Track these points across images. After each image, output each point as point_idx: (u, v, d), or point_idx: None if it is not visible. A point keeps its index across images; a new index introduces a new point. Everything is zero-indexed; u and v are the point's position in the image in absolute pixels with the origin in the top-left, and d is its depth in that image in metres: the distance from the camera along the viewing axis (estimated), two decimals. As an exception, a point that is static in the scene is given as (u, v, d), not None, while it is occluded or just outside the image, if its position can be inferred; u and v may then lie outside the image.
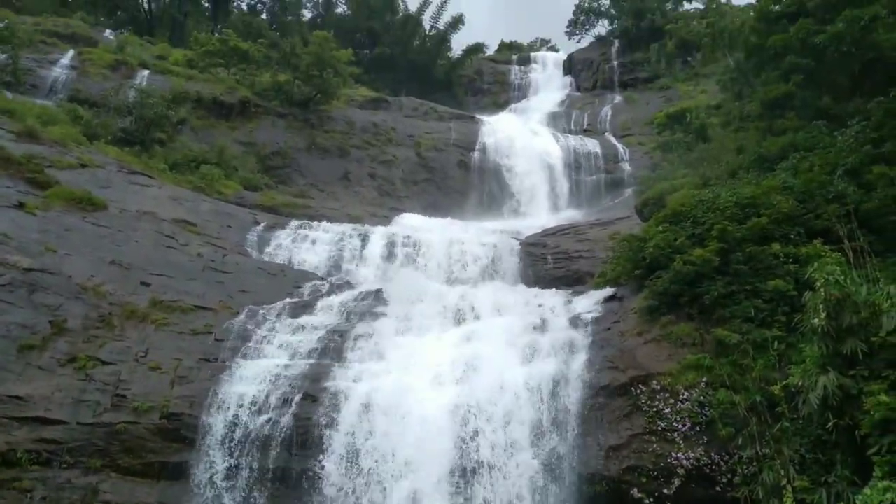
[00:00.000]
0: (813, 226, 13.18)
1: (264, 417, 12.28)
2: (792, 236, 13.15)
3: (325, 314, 15.42)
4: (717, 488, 11.08)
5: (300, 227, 20.65)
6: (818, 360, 10.33)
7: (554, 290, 16.95)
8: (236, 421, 12.26)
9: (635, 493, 11.35)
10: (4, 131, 19.97)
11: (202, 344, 14.09)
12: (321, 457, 11.79)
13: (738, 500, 10.77)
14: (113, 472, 11.99)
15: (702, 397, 11.70)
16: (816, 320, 10.20)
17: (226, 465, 11.84)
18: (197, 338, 14.28)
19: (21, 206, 16.63)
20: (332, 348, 14.03)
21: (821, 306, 10.17)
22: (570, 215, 27.33)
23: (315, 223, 21.07)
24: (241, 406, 12.44)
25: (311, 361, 13.60)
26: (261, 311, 15.23)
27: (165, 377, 13.15)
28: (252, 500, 11.60)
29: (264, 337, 14.38)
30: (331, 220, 22.15)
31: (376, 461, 11.67)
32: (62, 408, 12.37)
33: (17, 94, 24.94)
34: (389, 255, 19.67)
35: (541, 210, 28.83)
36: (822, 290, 10.21)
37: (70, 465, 11.90)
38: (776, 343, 11.54)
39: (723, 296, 12.62)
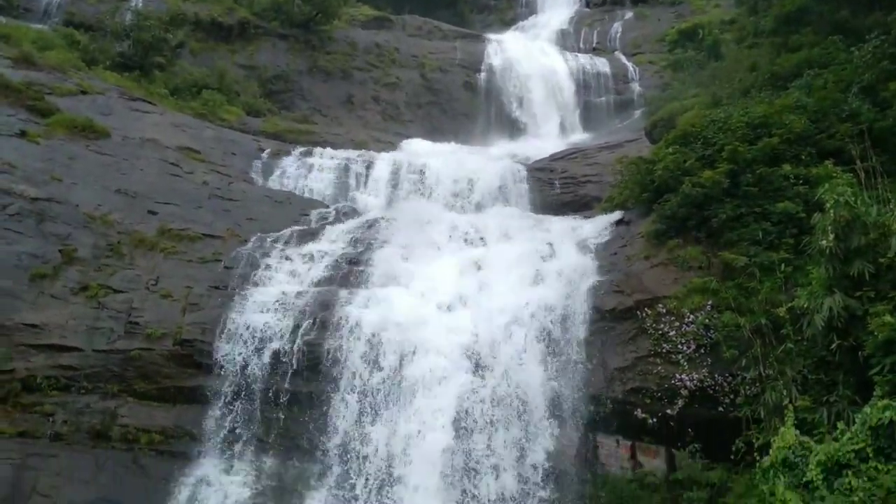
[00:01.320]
0: (825, 146, 12.94)
1: (275, 344, 12.49)
2: (803, 157, 12.93)
3: (333, 241, 15.46)
4: (720, 408, 11.30)
5: (304, 154, 20.46)
6: (825, 282, 10.34)
7: (561, 215, 16.87)
8: (248, 347, 12.48)
9: (639, 413, 11.61)
10: (1, 57, 19.58)
11: (211, 272, 14.21)
12: (331, 382, 12.04)
13: (739, 419, 11.01)
14: (130, 396, 12.32)
15: (707, 320, 11.79)
16: (824, 242, 10.15)
17: (238, 389, 12.13)
18: (206, 266, 14.40)
19: (23, 134, 16.48)
20: (340, 275, 14.12)
21: (829, 228, 10.10)
22: (578, 138, 26.91)
23: (319, 149, 20.85)
24: (252, 332, 12.64)
25: (320, 289, 13.72)
26: (268, 239, 15.28)
27: (177, 305, 13.33)
28: (265, 422, 11.91)
29: (273, 264, 14.47)
30: (335, 146, 21.90)
31: (386, 386, 11.92)
32: (77, 335, 12.61)
33: (10, 19, 24.31)
34: (395, 182, 19.54)
35: (548, 133, 28.37)
36: (831, 211, 10.11)
37: (88, 391, 12.23)
38: (783, 266, 11.53)
39: (731, 218, 12.54)
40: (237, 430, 11.83)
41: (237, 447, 11.72)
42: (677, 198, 13.17)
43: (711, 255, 12.60)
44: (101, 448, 11.59)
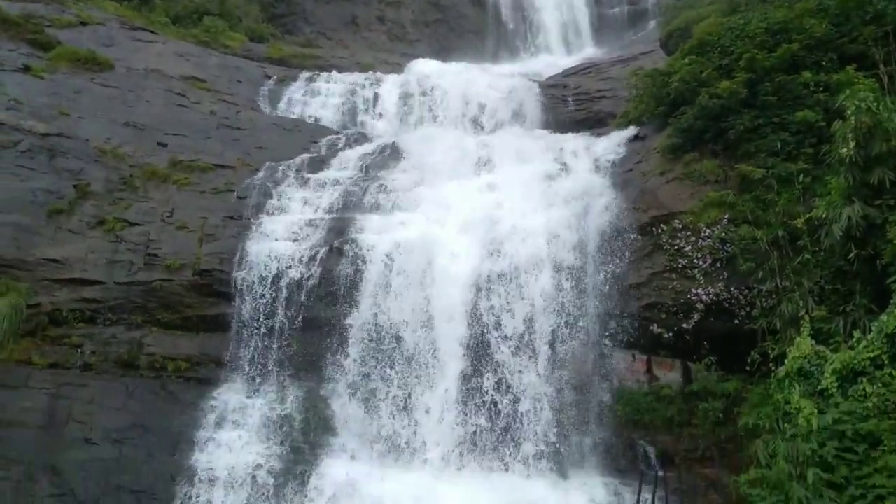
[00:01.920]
0: (847, 51, 12.48)
1: (292, 271, 12.62)
2: (824, 63, 12.50)
3: (344, 168, 15.38)
4: (735, 321, 11.38)
5: (310, 79, 20.11)
6: (844, 191, 10.20)
7: (575, 133, 16.60)
8: (265, 275, 12.62)
9: (655, 328, 11.73)
10: (-3, -10, 19.13)
11: (225, 202, 14.24)
12: (349, 306, 12.21)
13: (755, 331, 11.09)
14: (154, 326, 12.59)
15: (723, 234, 11.72)
16: (845, 150, 9.94)
17: (258, 316, 12.34)
18: (219, 196, 14.42)
19: (27, 69, 16.29)
20: (353, 202, 14.11)
21: (850, 135, 9.87)
22: (591, 53, 26.16)
23: (325, 74, 20.48)
24: (269, 261, 12.75)
25: (333, 216, 13.73)
26: (279, 168, 15.22)
27: (193, 236, 13.44)
28: (286, 346, 12.17)
29: (285, 193, 14.46)
30: (341, 69, 21.49)
31: (401, 311, 12.07)
32: (97, 268, 12.80)
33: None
34: (404, 105, 19.22)
35: (561, 49, 27.60)
36: (852, 118, 9.86)
37: (113, 322, 12.51)
38: (801, 176, 11.35)
39: (749, 130, 12.27)
40: (260, 355, 12.12)
41: (261, 371, 12.02)
42: (693, 110, 12.88)
43: (728, 167, 12.40)
44: (129, 376, 11.93)
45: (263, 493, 10.19)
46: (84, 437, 10.92)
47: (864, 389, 8.93)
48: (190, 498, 10.20)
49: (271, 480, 10.40)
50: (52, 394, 11.37)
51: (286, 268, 12.69)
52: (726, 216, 11.84)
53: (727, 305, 11.47)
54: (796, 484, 8.55)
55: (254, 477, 10.42)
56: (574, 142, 15.67)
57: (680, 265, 11.86)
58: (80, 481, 10.33)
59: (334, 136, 17.21)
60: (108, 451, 10.76)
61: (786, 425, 9.35)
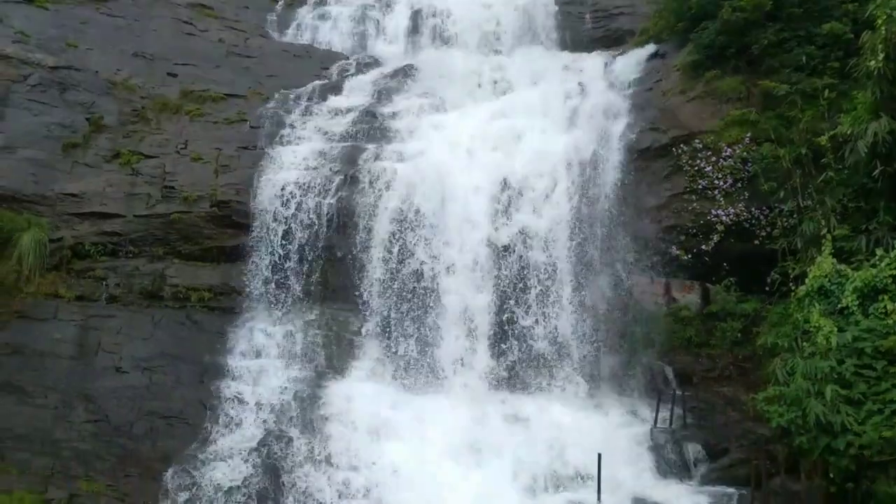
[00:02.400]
0: (879, -43, 11.89)
1: (309, 201, 12.60)
2: (854, -29, 11.96)
3: (356, 95, 15.12)
4: (756, 242, 11.31)
5: (319, 3, 19.52)
6: (870, 106, 9.94)
7: (593, 52, 16.12)
8: (282, 205, 12.62)
9: (674, 250, 11.70)
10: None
11: (238, 132, 14.13)
12: (365, 235, 12.24)
13: (775, 252, 11.04)
14: (175, 258, 12.73)
15: (745, 153, 11.53)
16: (873, 62, 9.64)
17: (277, 246, 12.42)
18: (232, 127, 14.30)
19: (30, 0, 15.94)
20: (367, 129, 13.93)
21: (880, 46, 9.55)
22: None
23: (333, -4, 19.85)
24: (285, 191, 12.73)
25: (347, 144, 13.60)
26: (291, 96, 15.00)
27: (208, 167, 13.40)
28: (306, 275, 12.29)
29: (298, 122, 14.30)
30: (349, -10, 20.79)
31: (422, 237, 12.09)
32: (116, 202, 12.87)
33: None
34: (415, 28, 18.67)
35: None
36: (882, 28, 9.51)
37: (135, 255, 12.66)
38: (826, 91, 11.05)
39: (773, 44, 11.89)
40: (280, 285, 12.25)
41: (282, 300, 12.18)
42: (715, 25, 12.46)
43: (751, 84, 12.08)
44: (154, 307, 12.15)
45: (289, 416, 10.49)
46: (115, 366, 11.22)
47: (885, 307, 8.94)
48: (219, 421, 10.52)
49: (296, 403, 10.69)
50: (80, 325, 11.64)
51: (302, 197, 12.67)
52: (748, 135, 11.62)
53: (747, 226, 11.38)
54: (814, 400, 8.67)
55: (280, 400, 10.70)
56: (591, 61, 15.25)
57: (700, 186, 11.72)
58: (113, 408, 10.68)
59: (345, 62, 16.85)
60: (138, 379, 11.08)
61: (804, 344, 9.43)
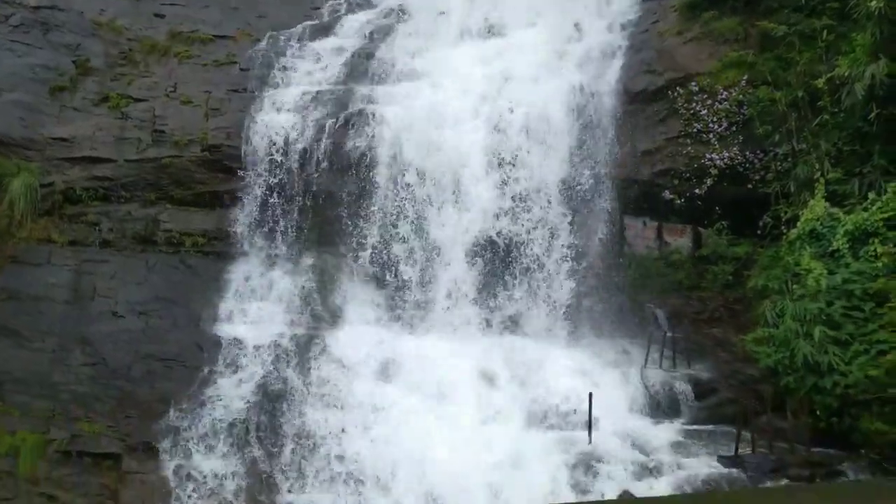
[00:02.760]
0: None
1: (300, 144, 12.49)
2: None
3: (348, 35, 14.82)
4: (749, 186, 11.31)
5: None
6: (869, 48, 9.83)
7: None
8: (274, 149, 12.51)
9: (667, 194, 11.70)
10: None
11: (228, 75, 13.89)
12: (358, 179, 12.17)
13: (768, 196, 11.06)
14: (168, 203, 12.67)
15: (741, 96, 11.43)
16: (874, 2, 9.49)
17: (270, 190, 12.36)
18: (221, 69, 14.05)
19: (9, -63, 15.40)
20: (359, 71, 13.72)
21: (881, -14, 9.37)
22: None
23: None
24: (277, 134, 12.60)
25: (340, 86, 13.40)
26: (281, 37, 14.69)
27: (198, 110, 13.22)
28: (299, 220, 12.27)
29: (289, 64, 14.05)
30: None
31: (414, 179, 12.04)
32: (106, 146, 12.73)
33: None
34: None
35: None
36: (885, -33, 9.31)
37: (127, 200, 12.59)
38: (825, 33, 10.88)
39: (772, -17, 11.64)
40: (274, 229, 12.24)
41: (276, 245, 12.20)
42: (715, -37, 12.17)
43: (749, 25, 11.89)
44: (148, 252, 12.15)
45: (286, 359, 10.62)
46: (110, 310, 11.29)
47: (875, 250, 9.02)
48: (216, 364, 10.64)
49: (293, 345, 10.81)
50: (74, 270, 11.65)
51: (294, 141, 12.55)
52: (745, 77, 11.50)
53: (741, 170, 11.37)
54: (802, 341, 8.84)
55: (277, 344, 10.82)
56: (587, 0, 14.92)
57: (695, 130, 11.65)
58: (110, 351, 10.79)
59: (336, 2, 16.45)
60: (134, 323, 11.16)
61: (795, 286, 9.55)
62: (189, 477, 9.30)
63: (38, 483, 9.21)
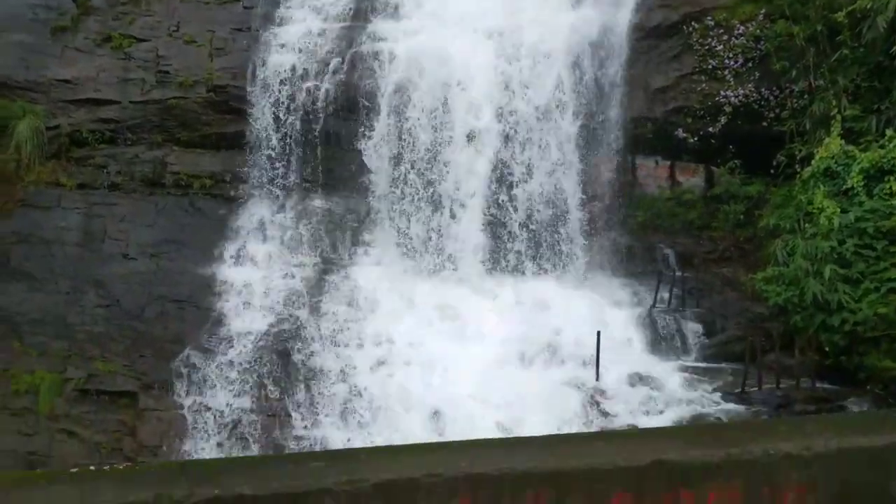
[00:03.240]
0: None
1: (307, 83, 12.31)
2: None
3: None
4: (764, 123, 11.11)
5: None
6: (893, -21, 9.48)
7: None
8: (280, 89, 12.34)
9: (680, 132, 11.52)
10: None
11: (231, 13, 13.57)
12: (367, 118, 12.03)
13: (783, 133, 10.87)
14: (175, 145, 12.60)
15: (758, 31, 11.12)
16: (900, -69, 9.11)
17: (277, 131, 12.25)
18: (224, 7, 13.72)
19: None
20: (365, 7, 13.38)
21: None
22: None
23: None
24: (283, 74, 12.41)
25: (345, 24, 13.10)
26: (285, -27, 14.30)
27: (203, 50, 12.99)
28: (307, 162, 12.20)
29: (294, 1, 13.71)
30: None
31: (423, 118, 11.88)
32: (110, 87, 12.59)
33: None
34: None
35: None
36: None
37: (134, 142, 12.53)
38: (847, -37, 10.49)
39: (794, -89, 11.16)
40: (282, 171, 12.19)
41: (286, 187, 12.16)
42: None
43: (768, -44, 11.48)
44: (157, 195, 12.15)
45: (297, 299, 10.72)
46: (121, 252, 11.37)
47: (890, 188, 8.91)
48: (228, 305, 10.75)
49: (304, 286, 10.89)
50: (84, 213, 11.69)
51: (300, 81, 12.36)
52: (762, 11, 11.16)
53: (756, 107, 11.15)
54: (812, 279, 8.81)
55: (287, 285, 10.90)
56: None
57: (710, 66, 11.39)
58: (123, 293, 10.91)
59: (341, -63, 15.96)
60: (145, 265, 11.25)
61: (807, 225, 9.47)
62: (204, 413, 9.51)
63: (58, 420, 9.46)
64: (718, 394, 8.88)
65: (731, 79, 11.21)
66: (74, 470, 3.38)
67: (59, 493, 2.78)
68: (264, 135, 12.32)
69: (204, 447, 9.21)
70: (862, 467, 2.83)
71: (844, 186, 9.42)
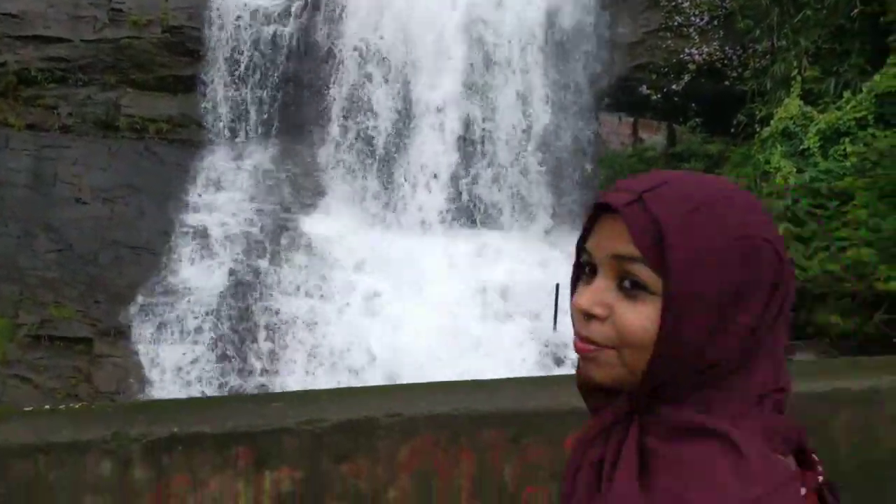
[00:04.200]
0: None
1: (268, 28, 11.96)
2: None
3: None
4: (726, 83, 11.21)
5: None
6: (858, -60, 9.54)
7: None
8: (237, 33, 11.97)
9: (644, 89, 11.55)
10: None
11: (188, -50, 13.03)
12: (328, 64, 11.76)
13: (744, 93, 10.99)
14: (129, 87, 12.16)
15: (724, -12, 11.14)
16: None
17: (235, 76, 11.93)
18: (181, -58, 13.16)
19: None
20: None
21: None
22: None
23: None
24: (241, 18, 12.02)
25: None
26: None
27: (158, -12, 12.47)
28: (268, 108, 11.93)
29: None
30: None
31: (387, 64, 11.68)
32: (60, 24, 12.03)
33: None
34: None
35: None
36: None
37: (86, 83, 12.05)
38: (814, -77, 10.51)
39: None
40: (240, 117, 11.92)
41: (243, 133, 11.91)
42: None
43: (737, -88, 11.42)
44: (111, 138, 11.76)
45: (256, 248, 10.60)
46: (74, 196, 11.03)
47: (844, 149, 9.10)
48: (186, 252, 10.57)
49: (263, 235, 10.76)
50: (34, 155, 11.28)
51: (259, 24, 12.00)
52: (730, -33, 11.17)
53: (719, 66, 11.24)
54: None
55: (247, 232, 10.75)
56: None
57: (676, 23, 11.40)
58: (76, 237, 10.63)
59: None
60: (99, 210, 10.96)
61: (763, 184, 9.65)
62: (161, 360, 9.43)
63: (10, 366, 9.27)
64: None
65: (696, 36, 11.26)
66: (29, 409, 3.34)
67: (11, 431, 2.74)
68: (222, 78, 11.97)
69: (160, 395, 9.15)
70: (803, 409, 2.95)
71: (801, 147, 9.60)
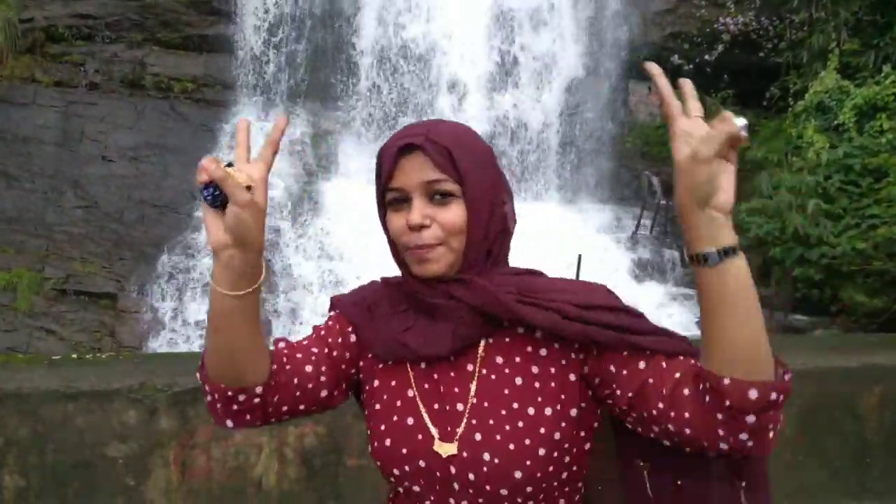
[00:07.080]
0: None
1: (296, -13, 11.83)
2: None
3: None
4: (760, 54, 10.93)
5: None
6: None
7: None
8: (268, -8, 11.86)
9: (676, 59, 11.30)
10: None
11: None
12: (351, 26, 11.63)
13: (779, 65, 10.71)
14: (155, 45, 12.14)
15: (763, -45, 10.79)
16: None
17: (262, 38, 11.85)
18: None
19: None
20: None
21: None
22: None
23: None
24: (271, -24, 11.90)
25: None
26: None
27: (186, -55, 12.36)
28: (293, 70, 11.86)
29: None
30: None
31: (414, 26, 11.53)
32: (88, -20, 12.00)
33: None
34: None
35: None
36: None
37: (113, 40, 12.04)
38: None
39: None
40: (266, 78, 11.86)
41: (270, 95, 11.86)
42: None
43: None
44: (137, 97, 11.78)
45: (279, 209, 10.63)
46: (100, 154, 11.10)
47: (881, 125, 8.86)
48: (210, 213, 10.60)
49: (287, 197, 10.78)
50: (62, 112, 11.34)
51: (288, -15, 11.88)
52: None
53: (755, 36, 10.94)
54: (795, 213, 8.84)
55: (270, 194, 10.74)
56: None
57: (711, -9, 11.10)
58: (102, 194, 10.73)
59: None
60: (125, 168, 11.03)
61: (794, 159, 9.45)
62: (184, 317, 9.54)
63: (37, 318, 9.44)
64: (694, 317, 9.06)
65: (732, 6, 10.95)
66: (56, 357, 3.39)
67: (40, 378, 2.79)
68: (248, 39, 11.90)
69: (183, 350, 9.28)
70: (833, 384, 2.91)
71: (836, 122, 9.36)
